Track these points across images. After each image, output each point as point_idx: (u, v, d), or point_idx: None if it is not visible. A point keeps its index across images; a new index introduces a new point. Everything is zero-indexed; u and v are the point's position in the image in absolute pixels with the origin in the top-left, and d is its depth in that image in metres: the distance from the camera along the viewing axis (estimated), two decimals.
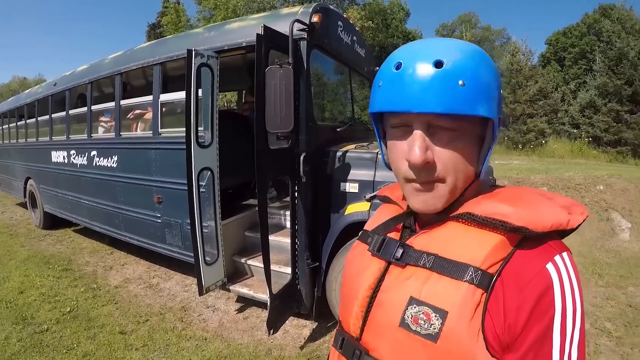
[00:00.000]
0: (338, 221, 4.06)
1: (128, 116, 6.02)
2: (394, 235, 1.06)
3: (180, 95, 4.69)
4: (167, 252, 5.50)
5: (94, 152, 6.50)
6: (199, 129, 4.24)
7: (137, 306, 4.99)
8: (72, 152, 7.12)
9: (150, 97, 5.39)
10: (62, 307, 4.92)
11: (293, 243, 4.09)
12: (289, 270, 4.21)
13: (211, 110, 4.38)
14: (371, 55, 6.73)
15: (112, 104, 6.07)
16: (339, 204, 4.12)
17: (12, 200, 12.24)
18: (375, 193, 1.36)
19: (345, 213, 4.01)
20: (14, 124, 10.41)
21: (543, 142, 19.69)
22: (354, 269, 1.11)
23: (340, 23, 4.90)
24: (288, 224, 4.45)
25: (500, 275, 0.82)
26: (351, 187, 4.05)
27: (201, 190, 4.35)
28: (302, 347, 4.06)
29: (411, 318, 0.86)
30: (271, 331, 3.82)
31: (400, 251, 0.97)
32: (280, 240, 4.65)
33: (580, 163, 14.20)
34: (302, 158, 3.87)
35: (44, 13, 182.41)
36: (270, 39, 3.56)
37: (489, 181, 1.01)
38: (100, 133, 6.70)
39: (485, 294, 0.82)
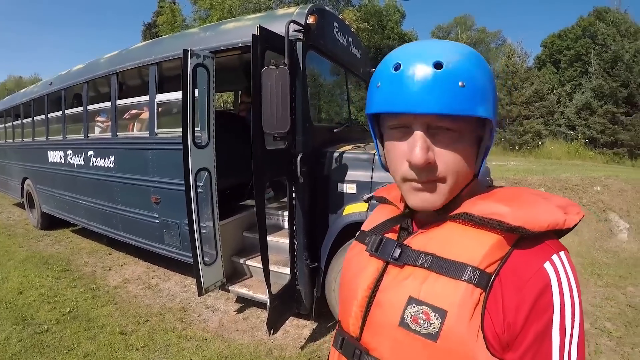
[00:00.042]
0: (336, 222, 4.07)
1: (124, 116, 6.01)
2: (392, 235, 1.07)
3: (177, 95, 4.67)
4: (165, 252, 5.50)
5: (90, 152, 6.50)
6: (196, 129, 4.24)
7: (136, 306, 4.99)
8: (69, 152, 7.10)
9: (146, 97, 5.38)
10: (61, 307, 4.92)
11: (292, 243, 4.10)
12: (288, 270, 4.21)
13: (207, 111, 4.38)
14: (367, 56, 6.74)
15: (109, 103, 6.06)
16: (337, 204, 4.13)
17: (10, 200, 12.20)
18: (372, 194, 1.37)
19: (343, 214, 4.02)
20: (10, 123, 10.38)
21: (539, 143, 19.71)
22: (352, 269, 1.12)
23: (335, 24, 4.90)
24: (286, 225, 4.47)
25: (499, 275, 0.83)
26: (349, 188, 4.05)
27: (199, 190, 4.35)
28: (302, 347, 4.07)
29: (410, 317, 0.87)
30: (271, 331, 3.83)
31: (398, 251, 0.98)
32: (279, 241, 4.66)
33: (577, 164, 14.22)
34: (299, 159, 3.88)
35: (40, 12, 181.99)
36: (266, 39, 3.56)
37: (485, 182, 1.02)
38: (96, 133, 6.68)
39: (483, 294, 0.83)
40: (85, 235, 8.21)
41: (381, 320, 0.95)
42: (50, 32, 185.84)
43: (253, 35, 3.44)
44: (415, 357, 0.87)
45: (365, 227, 1.23)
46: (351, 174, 4.08)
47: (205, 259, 4.46)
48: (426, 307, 0.86)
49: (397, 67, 0.87)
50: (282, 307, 4.01)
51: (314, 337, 4.26)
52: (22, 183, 9.63)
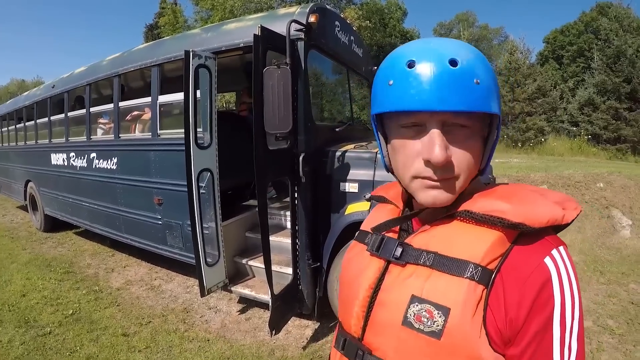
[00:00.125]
0: (338, 221, 4.07)
1: (127, 118, 6.01)
2: (392, 234, 1.07)
3: (179, 96, 4.68)
4: (168, 253, 5.50)
5: (93, 154, 6.51)
6: (198, 130, 4.24)
7: (139, 308, 4.99)
8: (72, 154, 7.12)
9: (148, 99, 5.39)
10: (64, 309, 4.93)
11: (294, 243, 4.10)
12: (290, 270, 4.21)
13: (210, 112, 4.38)
14: (369, 54, 6.74)
15: (111, 105, 6.07)
16: (339, 203, 4.13)
17: (13, 203, 12.25)
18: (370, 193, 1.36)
19: (346, 213, 4.02)
20: (13, 126, 10.41)
21: (542, 140, 19.66)
22: (353, 269, 1.12)
23: (337, 23, 4.90)
24: (288, 225, 4.45)
25: (500, 271, 0.84)
26: (351, 187, 4.05)
27: (201, 191, 4.35)
28: (304, 348, 4.07)
29: (414, 316, 0.87)
30: (273, 332, 3.83)
31: (399, 250, 0.98)
32: (281, 241, 4.65)
33: (580, 160, 14.19)
34: (301, 158, 3.87)
35: (42, 15, 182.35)
36: (267, 39, 3.56)
37: (486, 179, 1.02)
38: (99, 135, 6.71)
39: (485, 290, 0.83)
40: (88, 237, 8.23)
41: (384, 319, 0.94)
42: (53, 34, 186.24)
43: (254, 35, 3.44)
44: (419, 356, 0.87)
45: (364, 226, 1.22)
46: (353, 173, 4.08)
47: (208, 259, 4.46)
48: (429, 305, 0.85)
49: (410, 65, 0.86)
50: (284, 307, 4.01)
51: (316, 337, 4.26)
52: (25, 186, 9.66)
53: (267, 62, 3.51)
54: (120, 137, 5.97)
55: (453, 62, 0.84)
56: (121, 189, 6.04)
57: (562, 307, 0.80)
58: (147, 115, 5.68)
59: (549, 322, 0.79)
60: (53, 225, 8.89)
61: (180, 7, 35.81)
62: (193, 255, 4.48)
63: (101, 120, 6.71)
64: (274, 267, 3.99)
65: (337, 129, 4.91)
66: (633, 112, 18.88)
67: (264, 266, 3.79)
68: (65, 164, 7.37)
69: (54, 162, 7.82)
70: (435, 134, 0.86)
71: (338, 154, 4.22)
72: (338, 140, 4.61)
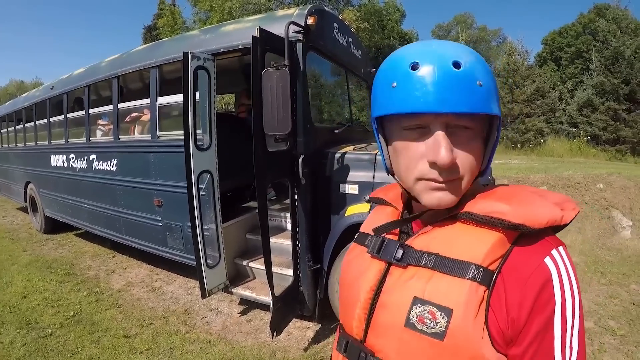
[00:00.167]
0: (338, 223, 4.07)
1: (126, 119, 6.01)
2: (392, 236, 1.07)
3: (178, 98, 4.69)
4: (168, 255, 5.50)
5: (93, 156, 6.51)
6: (197, 131, 4.24)
7: (140, 310, 4.99)
8: (72, 156, 7.12)
9: (147, 100, 5.39)
10: (65, 311, 4.93)
11: (294, 245, 4.10)
12: (290, 272, 4.21)
13: (209, 113, 4.38)
14: (367, 56, 6.74)
15: (110, 107, 6.08)
16: (339, 205, 4.13)
17: (13, 204, 12.23)
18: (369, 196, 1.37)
19: (346, 214, 4.02)
20: (12, 128, 10.41)
21: (542, 141, 19.65)
22: (353, 271, 1.12)
23: (335, 25, 4.91)
24: (289, 226, 4.45)
25: (501, 272, 0.85)
26: (351, 189, 4.05)
27: (201, 193, 4.36)
28: (305, 349, 4.07)
29: (416, 318, 0.87)
30: (274, 333, 3.84)
31: (400, 252, 0.98)
32: (282, 243, 4.66)
33: (579, 162, 14.18)
34: (300, 160, 3.87)
35: (41, 16, 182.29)
36: (265, 41, 3.57)
37: (486, 180, 1.03)
38: (98, 136, 6.71)
39: (487, 291, 0.84)
40: (88, 238, 8.23)
41: (386, 321, 0.95)
42: (52, 35, 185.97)
43: (253, 37, 3.45)
44: (422, 357, 0.87)
45: (363, 229, 1.23)
46: (353, 175, 4.08)
47: (209, 261, 4.46)
48: (432, 307, 0.86)
49: (414, 67, 0.87)
50: (285, 309, 4.01)
51: (317, 338, 4.26)
52: (25, 187, 9.66)
53: (266, 64, 3.51)
54: (119, 138, 5.98)
55: (456, 65, 0.85)
56: (121, 190, 6.04)
57: (562, 306, 0.81)
58: (146, 117, 5.69)
59: (550, 321, 0.80)
60: (53, 226, 8.89)
61: (179, 8, 35.71)
62: (194, 257, 4.48)
63: (100, 122, 6.71)
64: (274, 269, 3.99)
65: (336, 131, 4.91)
66: (632, 113, 18.87)
67: (264, 268, 3.80)
68: (65, 165, 7.37)
69: (53, 163, 7.82)
70: (440, 135, 0.87)
71: (337, 155, 4.22)
72: (337, 142, 4.61)
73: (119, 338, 4.31)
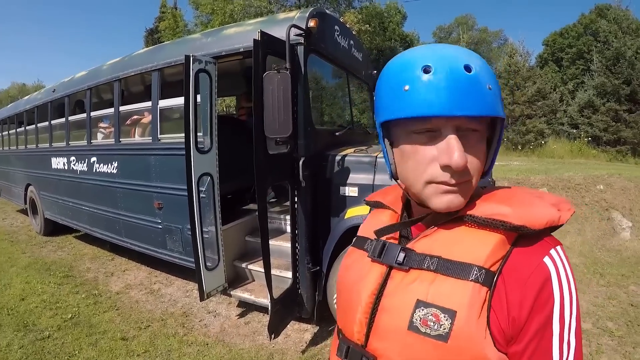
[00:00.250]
0: (338, 225, 4.07)
1: (127, 122, 6.02)
2: (392, 240, 1.06)
3: (179, 101, 4.69)
4: (168, 257, 5.50)
5: (93, 159, 6.51)
6: (198, 134, 4.25)
7: (138, 312, 4.99)
8: (72, 158, 7.13)
9: (149, 103, 5.40)
10: (63, 313, 4.92)
11: (293, 247, 4.10)
12: (289, 274, 4.21)
13: (210, 116, 4.39)
14: (368, 58, 6.75)
15: (111, 110, 6.08)
16: (339, 208, 4.13)
17: (13, 207, 12.25)
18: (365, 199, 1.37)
19: (345, 217, 4.02)
20: (14, 130, 10.43)
21: (542, 142, 19.64)
22: (352, 275, 1.11)
23: (336, 27, 4.92)
24: (288, 229, 4.45)
25: (501, 273, 0.86)
26: (351, 191, 4.06)
27: (201, 195, 4.36)
28: (303, 352, 4.06)
29: (420, 320, 0.87)
30: (272, 336, 3.82)
31: (402, 255, 0.98)
32: (281, 245, 4.65)
33: (580, 163, 14.19)
34: (301, 163, 3.87)
35: (43, 19, 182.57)
36: (267, 44, 3.57)
37: (485, 182, 1.03)
38: (99, 139, 6.71)
39: (488, 291, 0.85)
40: (88, 241, 8.23)
41: (389, 325, 0.94)
42: (53, 38, 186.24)
43: (254, 40, 3.45)
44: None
45: (361, 232, 1.22)
46: (353, 177, 4.08)
47: (208, 263, 4.46)
48: (435, 309, 0.86)
49: (426, 70, 0.87)
50: (283, 311, 4.01)
51: (315, 341, 4.26)
52: (26, 190, 9.66)
53: (267, 67, 3.52)
54: (120, 141, 5.98)
55: (467, 68, 0.85)
56: (121, 193, 6.04)
57: (561, 304, 0.83)
58: (147, 119, 5.69)
59: (549, 319, 0.82)
60: (53, 229, 8.89)
61: (181, 11, 35.79)
62: (193, 259, 4.49)
63: (101, 125, 6.71)
64: (273, 271, 3.99)
65: (337, 133, 4.92)
66: (633, 113, 18.87)
67: (263, 270, 3.80)
68: (66, 168, 7.37)
69: (54, 166, 7.83)
70: (453, 139, 0.87)
71: (338, 158, 4.22)
72: (338, 145, 4.62)
73: (117, 340, 4.30)
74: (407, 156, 0.95)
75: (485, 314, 0.84)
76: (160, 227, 5.42)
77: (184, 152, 4.20)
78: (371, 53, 27.60)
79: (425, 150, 0.91)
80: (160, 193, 5.30)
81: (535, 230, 0.87)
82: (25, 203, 9.89)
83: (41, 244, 8.32)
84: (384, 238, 1.08)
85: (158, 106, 5.21)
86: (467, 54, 0.91)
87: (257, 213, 3.76)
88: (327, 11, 5.00)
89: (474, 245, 0.90)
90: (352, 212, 3.98)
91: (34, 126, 8.90)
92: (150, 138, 5.41)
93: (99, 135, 6.74)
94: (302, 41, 3.99)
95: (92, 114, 6.64)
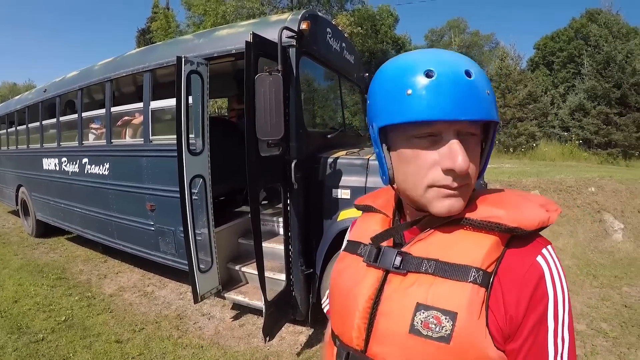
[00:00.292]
0: (331, 227, 4.07)
1: (118, 123, 6.00)
2: (386, 244, 1.07)
3: (171, 102, 4.67)
4: (161, 260, 5.48)
5: (85, 160, 6.49)
6: (190, 136, 4.24)
7: (132, 314, 4.97)
8: (64, 159, 7.09)
9: (140, 104, 5.39)
10: (57, 316, 4.90)
11: (287, 250, 4.10)
12: (283, 277, 4.21)
13: (202, 118, 4.38)
14: (360, 61, 6.77)
15: (103, 110, 6.05)
16: (332, 210, 4.14)
17: (4, 208, 12.13)
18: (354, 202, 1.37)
19: (338, 219, 4.03)
20: (4, 130, 10.35)
21: (534, 145, 19.70)
22: (347, 281, 1.11)
23: (329, 30, 4.93)
24: (281, 231, 4.46)
25: (497, 273, 0.88)
26: (343, 194, 4.06)
27: (193, 197, 4.35)
28: (298, 354, 4.07)
29: (421, 323, 0.88)
30: (267, 338, 3.83)
31: (399, 259, 0.98)
32: (274, 247, 4.66)
33: (571, 165, 14.24)
34: (293, 165, 3.88)
35: (33, 18, 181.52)
36: (259, 46, 3.58)
37: (478, 185, 1.05)
38: (91, 140, 6.69)
39: (486, 292, 0.87)
40: (80, 243, 8.18)
41: (389, 329, 0.95)
42: (44, 37, 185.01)
43: (246, 42, 3.45)
44: None
45: (352, 237, 1.22)
46: (345, 180, 4.09)
47: (201, 266, 4.45)
48: (436, 312, 0.87)
49: (429, 74, 0.87)
50: (277, 313, 4.01)
51: (310, 343, 4.26)
52: (17, 191, 9.59)
53: (259, 69, 3.52)
54: (112, 142, 5.96)
55: (468, 73, 0.87)
56: (113, 194, 6.01)
57: (555, 301, 0.86)
58: (137, 120, 5.68)
59: (544, 315, 0.85)
60: (45, 230, 8.83)
61: (173, 12, 35.63)
62: (186, 262, 4.47)
63: (93, 126, 6.68)
64: (267, 274, 3.99)
65: (329, 136, 4.93)
66: (623, 117, 18.95)
67: (257, 272, 3.79)
68: (57, 169, 7.33)
69: (45, 167, 7.78)
70: (455, 143, 0.89)
71: (330, 160, 4.23)
72: (330, 147, 4.63)
73: (111, 343, 4.28)
74: (407, 160, 0.96)
75: (484, 313, 0.85)
76: (153, 229, 5.40)
77: (175, 154, 4.19)
78: (363, 55, 27.59)
79: (427, 155, 0.92)
80: (152, 195, 5.28)
81: (528, 231, 0.89)
82: (17, 204, 9.80)
83: (33, 246, 8.26)
84: (379, 242, 1.08)
85: (150, 107, 5.20)
86: (466, 60, 0.92)
87: (249, 215, 3.76)
88: (319, 13, 5.01)
89: (470, 247, 0.92)
90: (345, 215, 3.99)
91: (24, 126, 8.84)
92: (142, 139, 5.39)
93: (91, 136, 6.71)
94: (294, 43, 3.99)
95: (84, 114, 6.61)
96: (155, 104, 5.19)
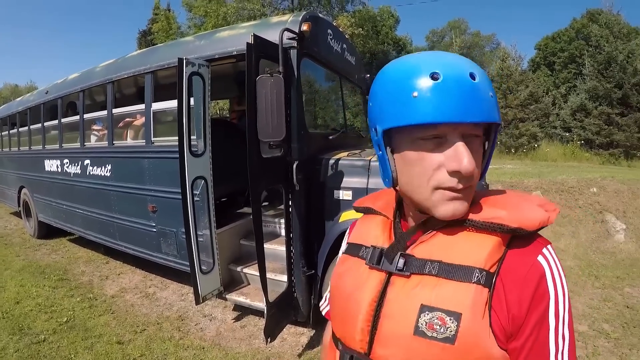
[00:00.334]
0: (332, 229, 4.07)
1: (120, 125, 6.01)
2: (386, 246, 1.07)
3: (172, 104, 4.68)
4: (162, 261, 5.48)
5: (87, 161, 6.49)
6: (192, 137, 4.24)
7: (134, 316, 4.98)
8: (66, 160, 7.10)
9: (142, 106, 5.40)
10: (58, 317, 4.90)
11: (288, 251, 4.10)
12: (285, 278, 4.20)
13: (203, 119, 4.38)
14: (361, 62, 6.76)
15: (104, 112, 6.06)
16: (333, 211, 4.13)
17: (6, 209, 12.13)
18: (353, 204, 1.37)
19: (340, 220, 4.02)
20: (7, 132, 10.35)
21: (535, 145, 19.69)
22: (349, 284, 1.10)
23: (330, 31, 4.93)
24: (283, 232, 4.46)
25: (499, 274, 0.89)
26: (345, 195, 4.06)
27: (195, 199, 4.35)
28: (300, 355, 4.07)
29: (426, 325, 0.88)
30: (269, 339, 3.83)
31: (402, 261, 0.98)
32: (276, 249, 4.66)
33: (573, 166, 14.24)
34: (294, 166, 3.88)
35: (35, 19, 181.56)
36: (260, 47, 3.58)
37: (480, 186, 1.05)
38: (93, 142, 6.69)
39: (489, 292, 0.88)
40: (82, 244, 8.18)
41: (393, 331, 0.95)
42: (45, 37, 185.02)
43: (247, 43, 3.45)
44: None
45: (353, 239, 1.22)
46: (347, 181, 4.09)
47: (203, 267, 4.45)
48: (441, 313, 0.88)
49: (434, 77, 0.87)
50: (279, 314, 4.01)
51: (311, 344, 4.26)
52: (19, 192, 9.59)
53: (260, 71, 3.52)
54: (114, 144, 5.96)
55: (472, 76, 0.88)
56: (115, 196, 6.02)
57: (555, 300, 0.87)
58: (139, 121, 5.69)
59: (545, 314, 0.86)
60: (47, 231, 8.83)
61: (174, 13, 35.69)
62: (187, 263, 4.47)
63: (95, 127, 6.69)
64: (268, 275, 3.99)
65: (330, 137, 4.92)
66: (625, 117, 18.94)
67: (258, 274, 3.80)
68: (59, 170, 7.34)
69: (47, 168, 7.78)
70: (461, 145, 0.89)
71: (331, 161, 4.23)
72: (331, 148, 4.62)
73: (113, 344, 4.29)
74: (412, 163, 0.96)
75: (488, 313, 0.86)
76: (155, 230, 5.40)
77: (177, 155, 4.19)
78: (364, 57, 27.66)
79: (432, 157, 0.92)
80: (154, 196, 5.28)
81: (529, 232, 0.90)
82: (19, 205, 9.81)
83: (35, 247, 8.27)
84: (378, 245, 1.08)
85: (151, 109, 5.20)
86: (469, 62, 0.93)
87: (251, 216, 3.76)
88: (320, 15, 5.02)
89: (472, 248, 0.92)
90: (346, 216, 3.98)
91: (26, 128, 8.85)
92: (144, 141, 5.40)
93: (92, 138, 6.71)
94: (295, 45, 3.99)
95: (85, 116, 6.61)
96: (156, 106, 5.19)
